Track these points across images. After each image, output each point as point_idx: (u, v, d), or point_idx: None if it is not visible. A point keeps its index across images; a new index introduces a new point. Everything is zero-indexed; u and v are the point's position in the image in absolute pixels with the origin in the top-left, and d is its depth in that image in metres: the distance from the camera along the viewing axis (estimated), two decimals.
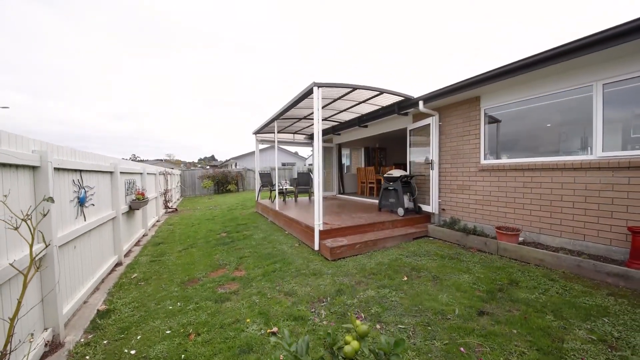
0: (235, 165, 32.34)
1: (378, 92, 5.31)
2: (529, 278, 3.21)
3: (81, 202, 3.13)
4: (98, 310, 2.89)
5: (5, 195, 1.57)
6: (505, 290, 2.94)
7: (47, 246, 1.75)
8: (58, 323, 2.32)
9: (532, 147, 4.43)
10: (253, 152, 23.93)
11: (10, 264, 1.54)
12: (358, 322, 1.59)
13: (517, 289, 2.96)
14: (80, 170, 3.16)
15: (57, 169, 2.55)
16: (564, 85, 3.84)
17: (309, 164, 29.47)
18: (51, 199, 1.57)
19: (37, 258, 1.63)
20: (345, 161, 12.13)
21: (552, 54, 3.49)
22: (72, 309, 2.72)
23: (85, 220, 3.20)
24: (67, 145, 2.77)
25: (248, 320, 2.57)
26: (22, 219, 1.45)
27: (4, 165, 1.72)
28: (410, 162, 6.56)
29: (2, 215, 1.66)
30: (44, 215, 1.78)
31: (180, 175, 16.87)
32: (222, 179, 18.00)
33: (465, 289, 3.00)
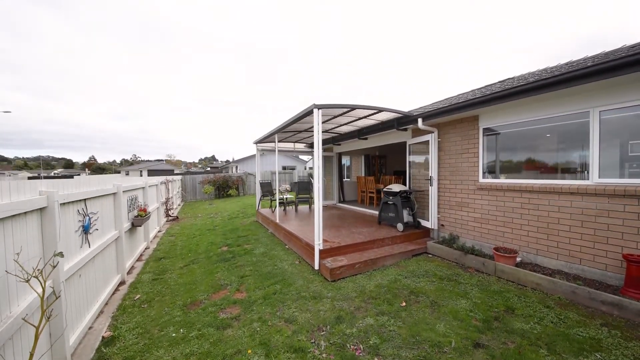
0: (236, 169, 32.42)
1: (377, 111, 5.36)
2: (525, 304, 3.26)
3: (86, 229, 3.20)
4: (103, 337, 2.96)
5: (18, 253, 1.63)
6: (501, 319, 2.99)
7: (57, 298, 1.81)
8: (65, 356, 2.39)
9: (531, 168, 4.47)
10: (254, 156, 24.02)
11: (23, 319, 1.60)
12: None
13: (513, 318, 3.02)
14: (85, 199, 3.22)
15: (62, 204, 2.61)
16: (562, 110, 3.89)
17: (309, 168, 29.51)
18: (61, 254, 1.63)
19: (47, 308, 1.70)
20: (345, 162, 12.19)
21: (548, 82, 3.55)
22: (78, 338, 2.78)
23: (89, 247, 3.26)
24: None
25: (249, 351, 2.64)
26: (34, 276, 1.51)
27: (14, 216, 1.78)
28: (409, 176, 6.62)
29: (12, 267, 1.73)
30: (54, 267, 1.84)
31: (181, 180, 16.94)
32: (223, 183, 18.07)
33: (462, 317, 3.06)
